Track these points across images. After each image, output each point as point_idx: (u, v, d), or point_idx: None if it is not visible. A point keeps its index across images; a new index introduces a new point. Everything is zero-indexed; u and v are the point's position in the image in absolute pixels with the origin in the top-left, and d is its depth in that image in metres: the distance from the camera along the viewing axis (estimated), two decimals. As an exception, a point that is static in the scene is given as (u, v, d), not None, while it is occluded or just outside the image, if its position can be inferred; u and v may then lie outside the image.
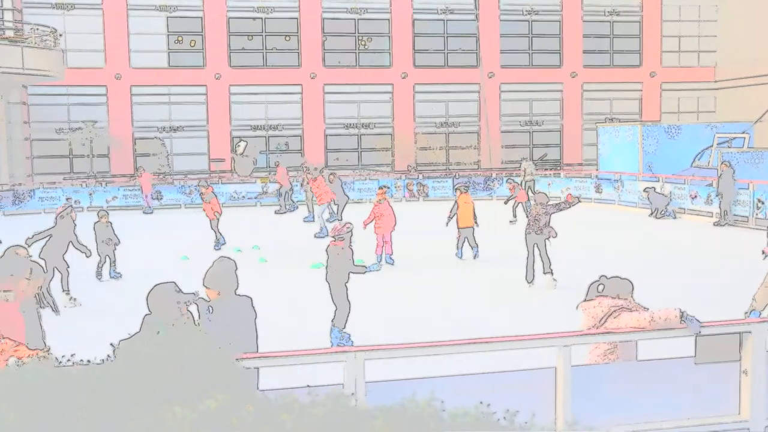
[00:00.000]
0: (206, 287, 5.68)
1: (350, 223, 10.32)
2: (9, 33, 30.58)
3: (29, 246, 11.74)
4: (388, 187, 18.00)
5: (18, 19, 32.49)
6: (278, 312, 10.97)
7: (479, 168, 36.28)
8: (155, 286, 5.12)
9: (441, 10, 36.80)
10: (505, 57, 37.30)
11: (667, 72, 38.71)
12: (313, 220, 22.08)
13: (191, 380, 2.85)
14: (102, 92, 34.07)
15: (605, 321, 5.37)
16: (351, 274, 9.85)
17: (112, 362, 3.09)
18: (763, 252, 10.63)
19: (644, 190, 24.72)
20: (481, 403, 2.63)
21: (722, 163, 22.08)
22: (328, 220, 20.56)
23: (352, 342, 9.58)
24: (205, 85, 34.98)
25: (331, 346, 9.59)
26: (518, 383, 4.96)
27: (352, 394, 4.38)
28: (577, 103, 38.23)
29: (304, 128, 36.06)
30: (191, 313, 5.22)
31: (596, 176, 29.08)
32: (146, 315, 5.03)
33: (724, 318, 5.76)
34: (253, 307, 5.73)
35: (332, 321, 9.89)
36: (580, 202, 14.31)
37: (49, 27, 29.75)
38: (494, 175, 32.36)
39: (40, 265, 5.89)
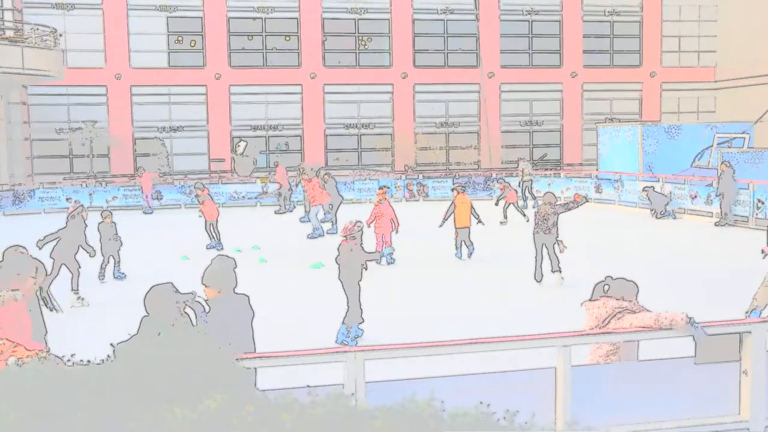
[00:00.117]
0: (205, 285, 5.68)
1: (360, 221, 10.46)
2: (9, 33, 30.57)
3: (40, 248, 11.77)
4: (388, 187, 18.01)
5: (18, 19, 32.48)
6: (278, 312, 10.97)
7: (479, 168, 36.28)
8: (153, 287, 5.11)
9: (441, 10, 36.79)
10: (505, 57, 37.30)
11: (667, 72, 38.71)
12: (309, 221, 22.11)
13: (191, 380, 2.85)
14: (102, 92, 34.07)
15: (608, 322, 5.37)
16: (364, 272, 9.99)
17: (112, 362, 3.09)
18: (763, 251, 10.63)
19: (643, 190, 24.72)
20: (481, 403, 2.63)
21: (722, 163, 22.08)
22: (322, 221, 20.62)
23: (357, 342, 9.63)
24: (205, 85, 34.97)
25: (336, 341, 9.66)
26: (518, 383, 4.96)
27: (352, 394, 4.38)
28: (577, 103, 38.23)
29: (304, 128, 36.06)
30: (188, 315, 5.22)
31: (596, 176, 29.07)
32: (144, 317, 5.02)
33: (724, 318, 5.76)
34: (251, 306, 5.74)
35: (343, 319, 9.98)
36: (588, 201, 14.35)
37: (49, 27, 29.75)
38: (494, 175, 32.33)
39: (43, 264, 5.91)
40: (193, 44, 35.05)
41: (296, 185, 26.48)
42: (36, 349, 4.57)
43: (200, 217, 18.81)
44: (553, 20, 37.82)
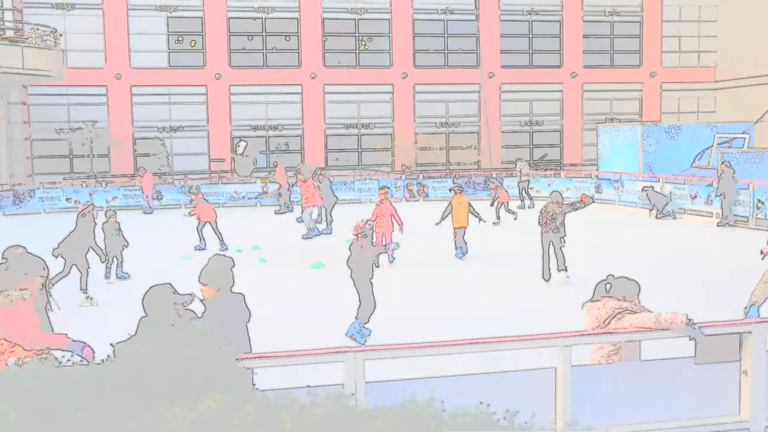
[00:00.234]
0: (202, 284, 5.67)
1: (372, 220, 10.55)
2: (9, 33, 30.58)
3: (56, 257, 11.76)
4: (389, 187, 18.03)
5: (18, 19, 32.48)
6: (278, 312, 10.97)
7: (479, 168, 36.28)
8: (151, 287, 5.11)
9: (441, 10, 36.79)
10: (505, 57, 37.30)
11: (667, 72, 38.71)
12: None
13: (191, 380, 2.85)
14: (102, 92, 34.07)
15: (609, 323, 5.36)
16: (375, 268, 10.19)
17: (111, 362, 3.09)
18: (762, 252, 10.63)
19: (642, 190, 24.72)
20: (481, 403, 2.63)
21: (722, 163, 22.07)
22: (316, 221, 20.64)
23: (365, 340, 9.67)
24: (205, 85, 34.97)
25: (348, 335, 9.72)
26: (518, 383, 4.96)
27: (352, 394, 4.38)
28: (577, 103, 38.23)
29: (304, 128, 36.06)
30: (188, 315, 5.21)
31: (596, 176, 29.06)
32: (142, 317, 5.01)
33: (724, 318, 5.76)
34: (246, 305, 5.73)
35: (356, 315, 10.06)
36: (594, 201, 14.48)
37: (49, 27, 29.75)
38: (494, 176, 32.34)
39: (47, 263, 5.92)
40: (193, 44, 35.05)
41: (293, 186, 26.49)
42: (36, 349, 4.58)
43: (185, 216, 18.71)
44: (553, 20, 37.82)
